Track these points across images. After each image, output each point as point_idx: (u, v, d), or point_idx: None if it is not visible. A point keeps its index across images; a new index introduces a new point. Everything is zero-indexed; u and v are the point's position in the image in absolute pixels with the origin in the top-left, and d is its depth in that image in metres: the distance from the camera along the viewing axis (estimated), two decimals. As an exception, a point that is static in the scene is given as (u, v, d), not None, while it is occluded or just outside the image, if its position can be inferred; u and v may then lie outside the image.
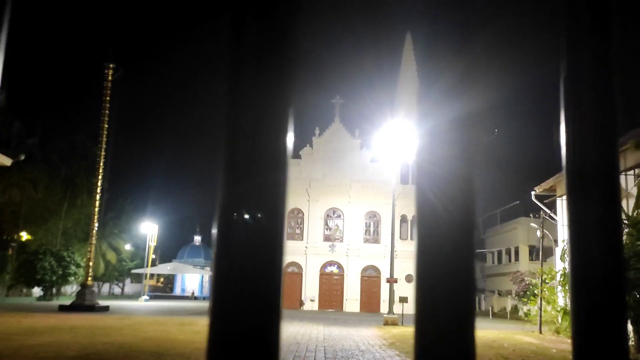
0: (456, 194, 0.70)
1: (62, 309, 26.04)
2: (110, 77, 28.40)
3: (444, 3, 0.73)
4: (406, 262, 42.47)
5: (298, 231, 46.00)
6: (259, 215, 0.65)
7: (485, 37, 0.75)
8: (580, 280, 0.73)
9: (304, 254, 44.95)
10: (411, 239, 45.22)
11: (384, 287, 40.62)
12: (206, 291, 58.91)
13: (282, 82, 0.71)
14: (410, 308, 36.78)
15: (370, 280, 45.32)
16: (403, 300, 28.81)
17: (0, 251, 42.65)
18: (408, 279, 43.74)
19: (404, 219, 45.18)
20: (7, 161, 27.83)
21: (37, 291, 42.41)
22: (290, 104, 0.70)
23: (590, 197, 0.74)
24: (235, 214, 0.65)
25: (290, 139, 0.69)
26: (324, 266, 45.32)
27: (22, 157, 38.84)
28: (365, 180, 45.83)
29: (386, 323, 25.09)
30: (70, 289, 45.24)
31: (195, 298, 58.85)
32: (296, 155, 47.26)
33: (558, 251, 22.85)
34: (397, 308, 28.16)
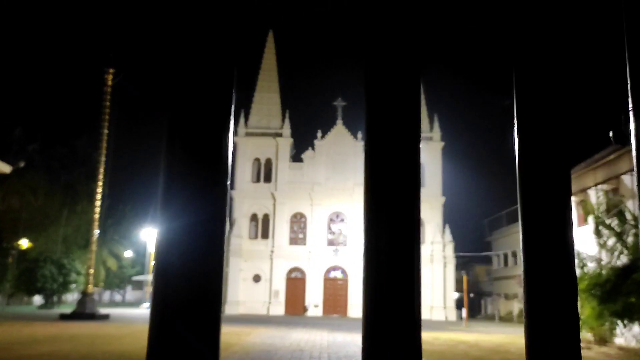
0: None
1: (63, 317, 25.67)
2: (110, 82, 28.07)
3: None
4: (411, 266, 41.97)
5: (301, 236, 45.57)
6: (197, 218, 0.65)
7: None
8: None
9: (307, 259, 44.50)
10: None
11: (389, 292, 40.13)
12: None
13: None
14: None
15: (374, 285, 44.86)
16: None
17: (0, 259, 42.23)
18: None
19: (407, 222, 44.74)
20: (6, 168, 27.52)
21: (38, 299, 42.00)
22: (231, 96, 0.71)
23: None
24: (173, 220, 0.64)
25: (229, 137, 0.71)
26: (328, 271, 44.83)
27: (22, 165, 38.61)
28: (368, 183, 45.43)
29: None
30: (72, 297, 44.82)
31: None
32: (298, 158, 46.89)
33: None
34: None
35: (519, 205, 0.75)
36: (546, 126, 0.75)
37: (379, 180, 0.69)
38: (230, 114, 0.69)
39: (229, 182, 0.66)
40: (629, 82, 0.72)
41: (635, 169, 0.74)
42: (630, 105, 0.72)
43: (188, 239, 0.63)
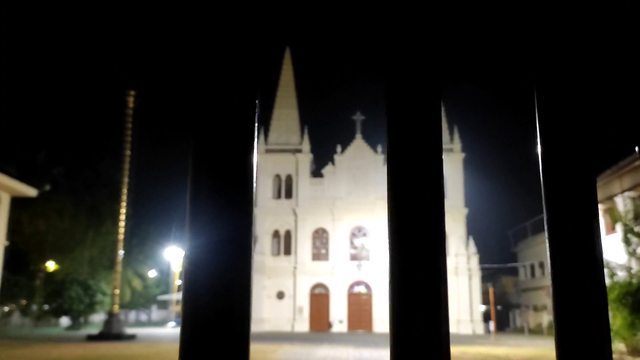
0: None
1: (90, 338, 25.85)
2: (131, 104, 28.51)
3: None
4: (435, 279, 41.51)
5: (323, 251, 45.41)
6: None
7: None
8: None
9: (331, 274, 44.27)
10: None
11: (414, 306, 39.63)
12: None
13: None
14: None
15: (399, 299, 44.39)
16: (435, 318, 27.97)
17: (28, 281, 42.86)
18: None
19: (431, 235, 44.28)
20: (32, 192, 28.04)
21: (65, 321, 42.44)
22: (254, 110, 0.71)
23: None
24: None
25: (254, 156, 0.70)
26: (352, 286, 44.52)
27: (48, 188, 39.31)
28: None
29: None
30: (98, 318, 45.23)
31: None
32: (318, 174, 46.91)
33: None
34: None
35: (544, 216, 0.73)
36: (570, 132, 0.75)
37: (402, 194, 0.69)
38: (254, 131, 0.69)
39: (254, 199, 0.67)
40: None
41: None
42: None
43: (215, 257, 0.64)
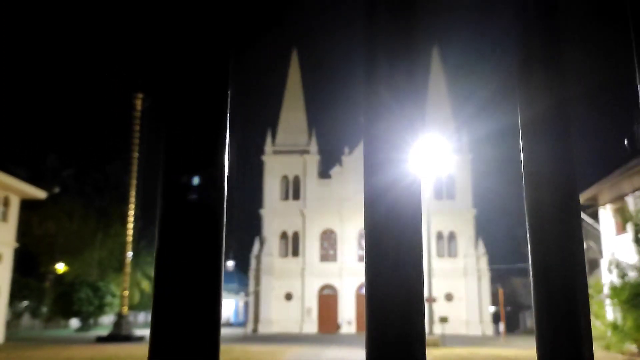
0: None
1: (100, 339, 25.97)
2: (139, 107, 28.62)
3: None
4: (444, 280, 41.36)
5: (331, 252, 45.35)
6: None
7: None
8: None
9: (339, 275, 44.21)
10: (449, 255, 44.15)
11: (423, 307, 39.43)
12: (241, 317, 58.54)
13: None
14: (451, 328, 35.70)
15: (407, 300, 44.24)
16: (443, 320, 27.83)
17: (38, 283, 43.12)
18: (447, 297, 42.56)
19: (439, 235, 44.12)
20: (42, 194, 28.21)
21: (75, 322, 42.66)
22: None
23: None
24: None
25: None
26: (360, 287, 44.40)
27: (57, 190, 39.54)
28: (397, 197, 45.00)
29: (427, 344, 24.16)
30: (107, 319, 45.43)
31: (231, 324, 58.44)
32: (326, 175, 46.87)
33: (604, 263, 21.82)
34: (437, 328, 27.24)
35: (526, 219, 0.75)
36: (552, 140, 0.76)
37: (378, 192, 0.70)
38: (225, 115, 0.67)
39: (225, 190, 0.65)
40: (638, 87, 0.73)
41: None
42: None
43: (186, 259, 0.63)
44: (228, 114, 0.68)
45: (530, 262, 0.74)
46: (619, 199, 20.84)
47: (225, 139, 0.68)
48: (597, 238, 25.08)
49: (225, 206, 0.66)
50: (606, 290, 18.80)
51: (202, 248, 0.63)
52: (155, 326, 0.65)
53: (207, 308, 0.62)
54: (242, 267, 57.34)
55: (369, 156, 0.75)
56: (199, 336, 0.62)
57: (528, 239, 0.74)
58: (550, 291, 0.71)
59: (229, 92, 0.69)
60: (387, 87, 0.77)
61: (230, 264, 68.11)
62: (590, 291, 18.78)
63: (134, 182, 28.12)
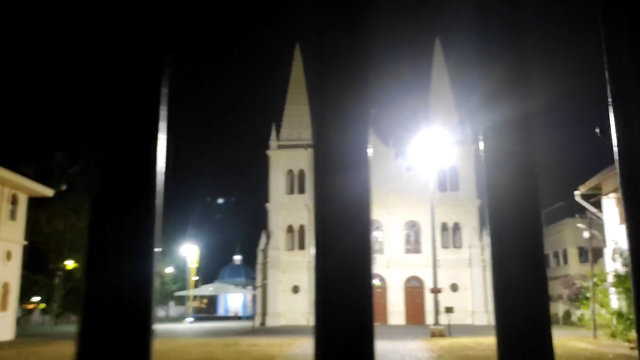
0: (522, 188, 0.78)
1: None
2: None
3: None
4: (449, 270, 41.57)
5: (337, 245, 45.54)
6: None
7: (532, 38, 0.81)
8: None
9: (345, 268, 44.40)
10: (454, 246, 44.29)
11: (429, 298, 39.75)
12: (249, 310, 58.96)
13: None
14: (457, 318, 35.87)
15: (413, 291, 44.50)
16: (449, 310, 28.05)
17: (48, 280, 43.59)
18: (453, 287, 42.77)
19: (444, 226, 44.29)
20: (49, 192, 28.50)
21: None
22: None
23: None
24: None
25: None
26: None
27: (64, 188, 39.85)
28: (402, 189, 45.19)
29: (433, 335, 24.40)
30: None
31: (239, 318, 58.86)
32: (331, 168, 46.95)
33: (608, 251, 21.91)
34: (443, 319, 27.43)
35: (487, 211, 0.77)
36: (510, 134, 0.80)
37: (328, 187, 0.72)
38: (158, 111, 0.65)
39: (162, 190, 0.64)
40: (607, 75, 0.76)
41: (617, 164, 0.75)
42: (610, 99, 0.76)
43: (118, 254, 0.61)
44: (165, 111, 0.70)
45: (490, 254, 0.79)
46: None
47: (163, 132, 0.68)
48: (600, 227, 25.17)
49: (160, 206, 0.67)
50: (610, 278, 18.93)
51: (134, 242, 0.65)
52: (84, 325, 0.65)
53: (139, 307, 0.65)
54: (250, 261, 57.70)
55: (321, 155, 0.77)
56: (131, 337, 0.64)
57: (489, 232, 0.79)
58: (510, 282, 0.74)
59: (164, 89, 0.70)
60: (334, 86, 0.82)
61: (237, 258, 68.49)
62: (594, 280, 18.86)
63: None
